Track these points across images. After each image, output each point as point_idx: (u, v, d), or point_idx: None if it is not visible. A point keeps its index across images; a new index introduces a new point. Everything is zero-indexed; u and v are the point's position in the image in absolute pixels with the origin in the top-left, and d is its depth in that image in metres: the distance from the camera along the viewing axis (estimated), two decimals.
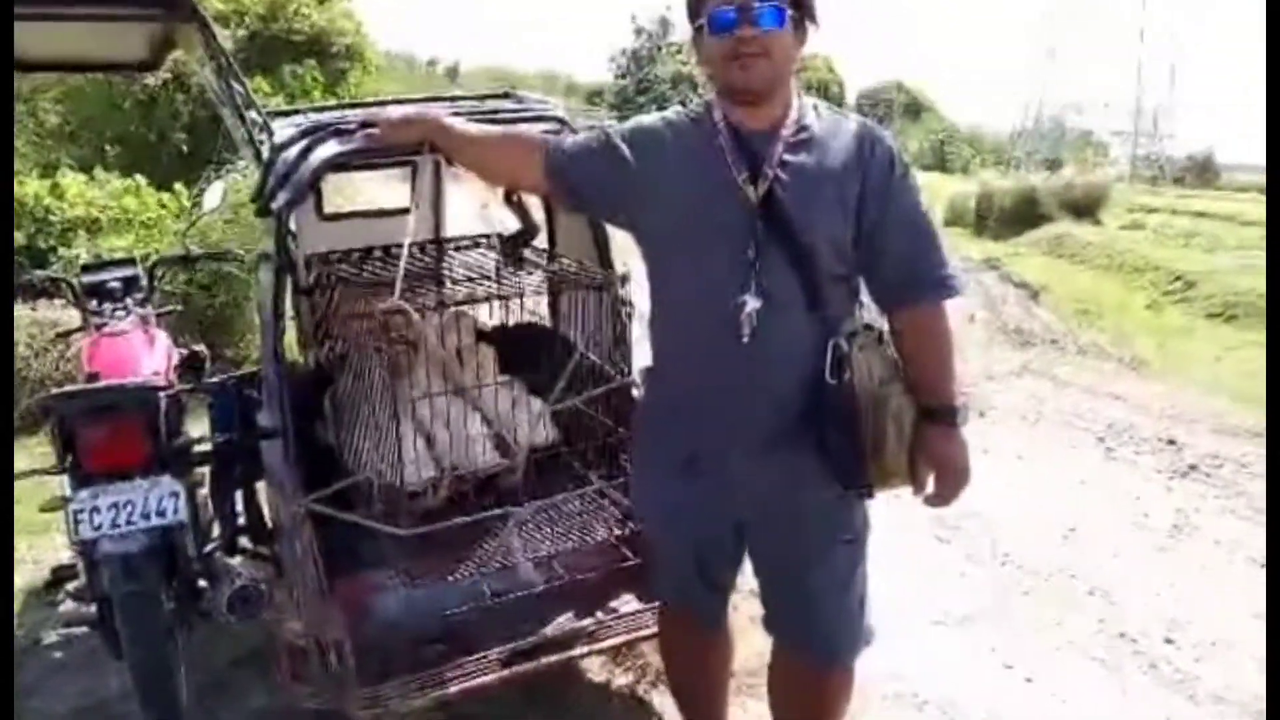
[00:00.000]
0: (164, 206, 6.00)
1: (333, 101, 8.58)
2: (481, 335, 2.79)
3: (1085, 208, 13.64)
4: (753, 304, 1.67)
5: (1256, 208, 13.98)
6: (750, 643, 2.40)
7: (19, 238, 6.51)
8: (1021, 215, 13.79)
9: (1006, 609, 3.28)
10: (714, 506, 1.84)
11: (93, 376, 2.42)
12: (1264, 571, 3.56)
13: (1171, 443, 4.94)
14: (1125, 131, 32.72)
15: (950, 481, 1.80)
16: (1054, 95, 32.29)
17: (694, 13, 1.74)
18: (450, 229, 3.50)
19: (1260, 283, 8.01)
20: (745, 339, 1.68)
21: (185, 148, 7.89)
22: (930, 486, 1.81)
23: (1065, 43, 31.79)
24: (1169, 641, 3.08)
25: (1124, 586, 3.42)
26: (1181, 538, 3.87)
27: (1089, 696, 2.81)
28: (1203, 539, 3.85)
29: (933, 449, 1.78)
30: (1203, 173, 23.42)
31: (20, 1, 2.10)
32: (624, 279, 2.43)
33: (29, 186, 6.69)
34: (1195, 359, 6.85)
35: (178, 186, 6.13)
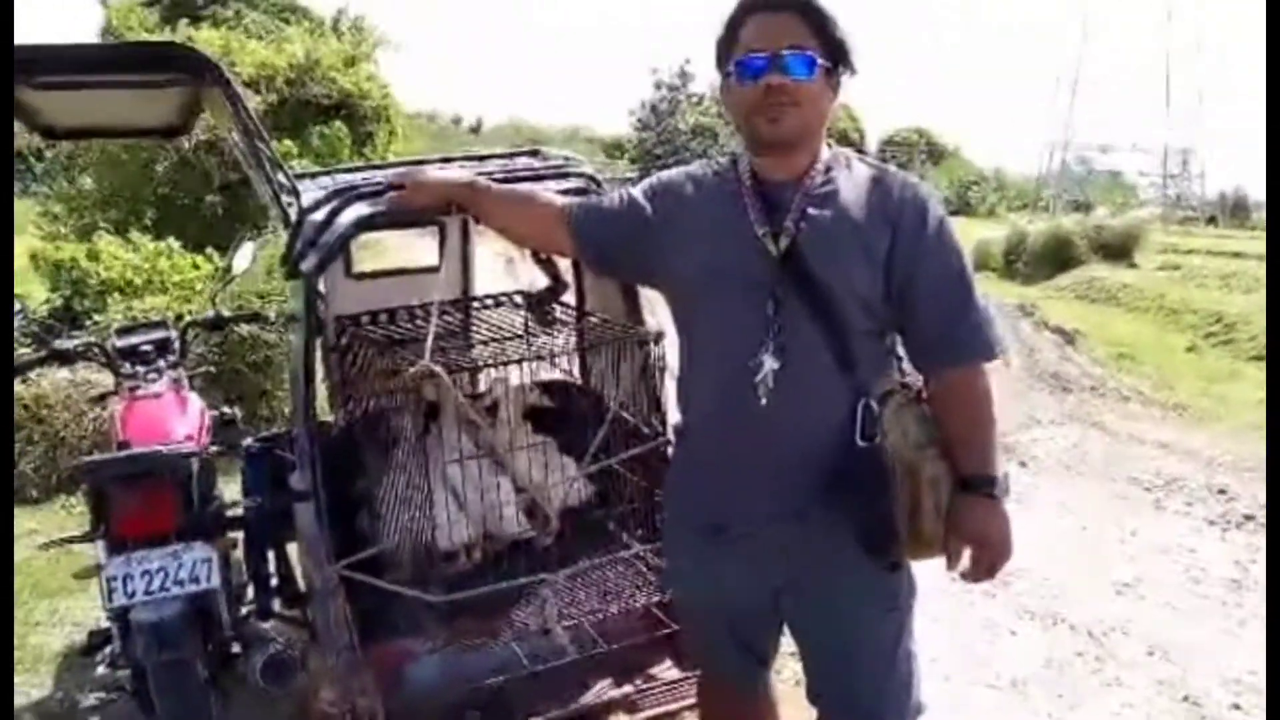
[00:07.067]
0: (197, 268, 6.10)
1: (360, 162, 8.78)
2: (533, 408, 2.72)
3: (1118, 250, 13.53)
4: (770, 365, 1.60)
5: None
6: (797, 705, 2.29)
7: (57, 300, 6.68)
8: (1052, 258, 13.70)
9: (1061, 670, 3.15)
10: (746, 575, 1.74)
11: (124, 444, 2.42)
12: None
13: (1222, 492, 4.78)
14: (1153, 173, 32.56)
15: (988, 557, 1.68)
16: (1079, 136, 32.26)
17: (722, 59, 1.69)
18: (479, 286, 3.50)
19: None
20: (763, 401, 1.61)
21: (219, 209, 8.06)
22: (966, 561, 1.69)
23: (1089, 84, 31.79)
24: (1236, 707, 2.92)
25: (1184, 645, 3.28)
26: (1242, 592, 3.72)
27: None
28: (1264, 593, 3.69)
29: (969, 522, 1.66)
30: (1236, 212, 23.16)
31: (49, 71, 2.13)
32: (658, 337, 2.38)
33: (66, 251, 6.88)
34: (1241, 404, 6.66)
35: (209, 249, 6.25)
